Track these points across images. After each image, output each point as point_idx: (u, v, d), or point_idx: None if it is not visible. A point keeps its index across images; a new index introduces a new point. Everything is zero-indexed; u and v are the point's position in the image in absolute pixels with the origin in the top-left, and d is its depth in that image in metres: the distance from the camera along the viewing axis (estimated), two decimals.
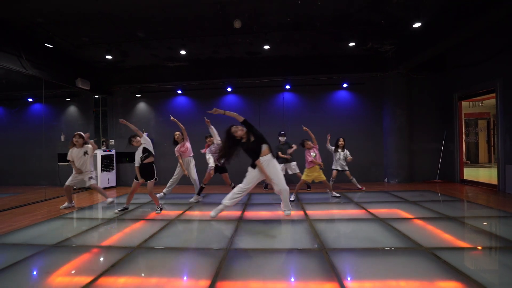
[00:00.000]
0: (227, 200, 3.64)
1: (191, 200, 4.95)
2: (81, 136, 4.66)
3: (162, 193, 5.27)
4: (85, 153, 4.67)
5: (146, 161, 4.11)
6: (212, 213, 3.67)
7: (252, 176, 3.65)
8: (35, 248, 2.77)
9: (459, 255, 2.42)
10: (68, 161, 4.73)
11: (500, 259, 2.41)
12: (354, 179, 5.85)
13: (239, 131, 3.56)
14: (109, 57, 6.02)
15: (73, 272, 2.28)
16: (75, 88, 6.54)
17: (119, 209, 4.26)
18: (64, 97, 7.79)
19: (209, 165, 4.75)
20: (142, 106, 7.64)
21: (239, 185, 3.67)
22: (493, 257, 2.47)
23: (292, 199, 4.75)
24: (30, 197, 5.72)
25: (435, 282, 1.98)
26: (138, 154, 4.16)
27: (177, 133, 5.11)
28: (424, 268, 2.19)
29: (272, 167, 3.61)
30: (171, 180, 5.27)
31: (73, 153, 4.64)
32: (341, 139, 5.73)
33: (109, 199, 4.83)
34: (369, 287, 1.96)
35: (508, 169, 5.11)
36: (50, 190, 6.43)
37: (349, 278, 2.06)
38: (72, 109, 7.85)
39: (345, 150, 5.75)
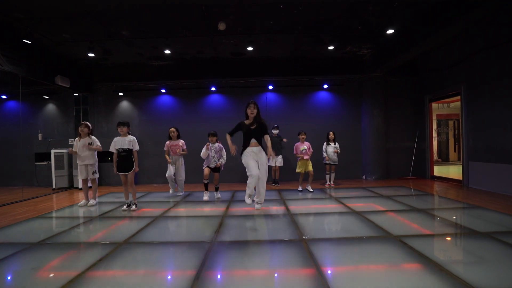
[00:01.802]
0: (247, 194, 3.95)
1: (217, 196, 5.07)
2: (87, 125, 4.54)
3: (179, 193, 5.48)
4: (90, 144, 4.53)
5: (126, 153, 4.09)
6: (256, 206, 4.10)
7: (247, 161, 3.88)
8: (18, 247, 2.75)
9: (423, 241, 2.69)
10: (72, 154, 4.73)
11: (458, 244, 2.71)
12: (333, 175, 6.13)
13: (251, 109, 3.89)
14: (91, 54, 5.93)
15: (59, 267, 2.32)
16: (54, 85, 6.37)
17: (126, 206, 4.21)
18: (42, 95, 7.54)
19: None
20: (125, 104, 7.55)
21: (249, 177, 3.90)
22: (452, 242, 2.76)
23: (300, 189, 5.48)
24: (6, 198, 5.53)
25: (401, 265, 2.22)
26: (119, 144, 4.09)
27: (173, 129, 5.11)
28: (392, 253, 2.43)
29: (261, 157, 3.97)
30: (169, 179, 5.28)
31: (78, 144, 4.53)
32: (331, 132, 5.97)
33: (93, 201, 4.65)
34: (343, 272, 2.16)
35: (471, 165, 5.59)
36: (27, 191, 6.23)
37: (325, 264, 2.25)
38: (51, 107, 7.62)
39: (336, 143, 5.99)
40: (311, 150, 5.43)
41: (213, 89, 7.40)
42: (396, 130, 7.51)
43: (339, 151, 5.95)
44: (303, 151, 5.33)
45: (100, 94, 7.47)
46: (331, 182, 6.11)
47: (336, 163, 5.99)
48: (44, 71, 6.10)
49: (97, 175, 4.71)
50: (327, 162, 5.99)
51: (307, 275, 2.08)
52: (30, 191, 6.25)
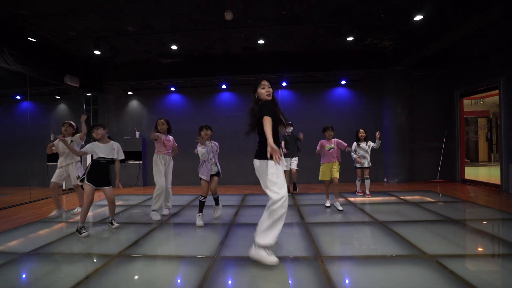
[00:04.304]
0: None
1: (217, 215, 3.83)
2: (70, 124, 4.02)
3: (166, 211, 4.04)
4: (71, 142, 3.97)
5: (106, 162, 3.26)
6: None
7: (279, 173, 2.35)
8: (7, 257, 2.55)
9: (467, 264, 2.22)
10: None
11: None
12: (368, 181, 5.06)
13: (266, 88, 2.49)
14: (97, 52, 5.76)
15: (41, 285, 2.06)
16: (64, 85, 6.30)
17: (83, 233, 3.10)
18: (53, 95, 7.55)
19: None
20: (134, 103, 7.41)
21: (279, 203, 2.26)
22: (505, 266, 2.27)
23: (328, 204, 4.24)
24: (15, 199, 5.49)
25: None
26: (101, 152, 3.21)
27: (162, 120, 3.92)
28: (428, 279, 1.98)
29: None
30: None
31: (59, 144, 3.94)
32: (361, 130, 4.88)
33: (79, 209, 4.08)
34: None
35: None
36: (37, 191, 6.19)
37: None
38: (62, 107, 7.61)
39: (369, 142, 4.88)
40: (345, 144, 4.16)
41: (223, 86, 7.09)
42: (421, 128, 6.89)
43: (375, 146, 4.74)
44: (330, 150, 4.09)
45: (110, 94, 7.37)
46: (367, 191, 5.01)
47: (370, 165, 4.94)
48: (53, 71, 6.02)
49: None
50: (358, 166, 4.94)
51: None
52: (40, 192, 6.20)
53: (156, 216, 3.72)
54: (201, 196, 3.50)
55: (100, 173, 3.22)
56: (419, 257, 2.35)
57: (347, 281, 2.02)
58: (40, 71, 5.69)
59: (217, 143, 3.72)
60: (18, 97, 7.74)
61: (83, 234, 3.07)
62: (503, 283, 1.98)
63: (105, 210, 4.37)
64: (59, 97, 7.56)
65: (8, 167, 7.59)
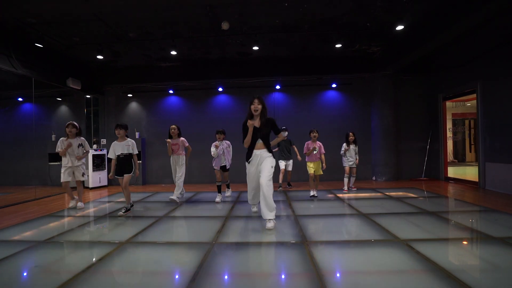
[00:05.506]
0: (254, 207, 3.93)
1: (228, 194, 5.25)
2: (74, 125, 4.32)
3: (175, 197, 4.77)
4: (80, 145, 4.38)
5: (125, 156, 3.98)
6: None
7: (249, 169, 3.40)
8: (24, 244, 2.82)
9: (431, 246, 2.56)
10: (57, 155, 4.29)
11: (470, 249, 2.56)
12: (353, 179, 5.60)
13: (254, 105, 3.19)
14: (100, 57, 6.05)
15: (61, 266, 2.35)
16: (66, 87, 6.56)
17: (123, 211, 3.95)
18: (55, 97, 7.79)
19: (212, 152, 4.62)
20: (134, 105, 7.68)
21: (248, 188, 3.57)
22: (463, 247, 2.61)
23: (312, 193, 4.95)
24: (20, 197, 5.72)
25: (406, 270, 2.11)
26: (119, 149, 3.94)
27: (174, 126, 4.74)
28: (396, 258, 2.32)
29: (264, 161, 3.28)
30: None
31: (65, 145, 4.27)
32: (350, 133, 5.35)
33: (81, 204, 4.49)
34: (344, 276, 2.08)
35: (488, 166, 5.32)
36: (40, 190, 6.43)
37: (326, 269, 2.18)
38: (64, 109, 7.85)
39: (356, 146, 5.46)
40: (323, 151, 4.92)
41: (220, 89, 7.41)
42: (408, 130, 7.28)
43: (357, 157, 5.47)
44: (314, 152, 4.81)
45: (110, 96, 7.63)
46: (352, 186, 5.59)
47: (355, 166, 5.47)
48: (56, 74, 6.29)
49: (86, 177, 4.53)
50: (347, 164, 5.41)
51: (306, 279, 2.01)
52: (43, 190, 6.44)
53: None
54: (217, 182, 4.82)
55: (121, 166, 3.97)
56: (392, 241, 2.69)
57: (328, 260, 2.34)
58: (44, 74, 5.95)
59: (228, 142, 4.87)
60: (20, 99, 7.97)
61: (122, 211, 3.95)
62: (460, 260, 2.33)
63: (108, 206, 4.65)
64: (60, 99, 7.80)
65: (8, 167, 7.79)
